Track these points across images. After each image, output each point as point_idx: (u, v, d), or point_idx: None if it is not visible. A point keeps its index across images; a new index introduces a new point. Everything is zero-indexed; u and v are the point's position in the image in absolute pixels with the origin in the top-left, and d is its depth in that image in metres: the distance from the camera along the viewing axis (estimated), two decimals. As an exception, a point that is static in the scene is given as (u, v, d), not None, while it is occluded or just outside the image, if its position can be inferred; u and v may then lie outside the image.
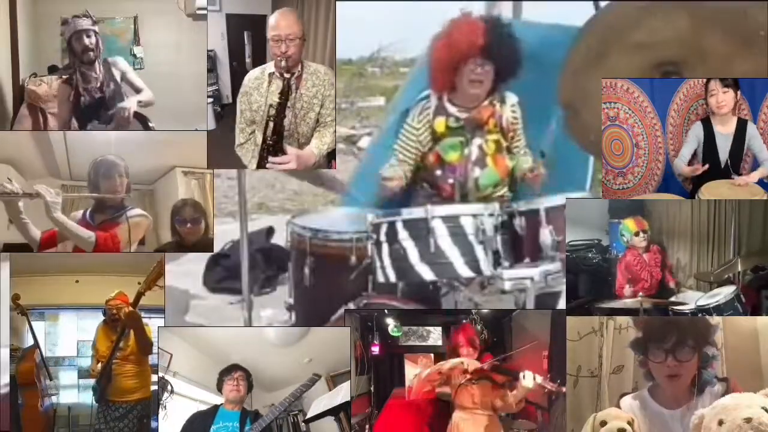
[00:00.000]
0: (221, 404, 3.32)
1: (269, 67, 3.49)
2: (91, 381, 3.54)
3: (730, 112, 3.44)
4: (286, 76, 3.39)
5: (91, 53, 3.61)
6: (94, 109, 3.66)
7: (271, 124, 3.36)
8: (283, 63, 3.38)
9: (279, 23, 3.39)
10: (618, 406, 2.88)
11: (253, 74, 3.53)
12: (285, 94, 3.35)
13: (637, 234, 3.57)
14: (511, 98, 3.45)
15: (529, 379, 3.09)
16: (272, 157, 3.41)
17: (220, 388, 3.36)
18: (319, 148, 3.44)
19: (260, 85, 3.48)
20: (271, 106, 3.36)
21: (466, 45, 3.28)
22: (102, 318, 3.56)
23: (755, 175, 3.41)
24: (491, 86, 3.37)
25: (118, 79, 3.69)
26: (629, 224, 3.57)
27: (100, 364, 3.50)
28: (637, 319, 3.06)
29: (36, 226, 3.38)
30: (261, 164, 3.43)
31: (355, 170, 4.33)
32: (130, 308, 3.41)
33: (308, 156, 3.39)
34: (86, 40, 3.59)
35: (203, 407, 3.34)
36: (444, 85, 3.40)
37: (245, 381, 3.36)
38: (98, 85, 3.64)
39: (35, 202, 3.30)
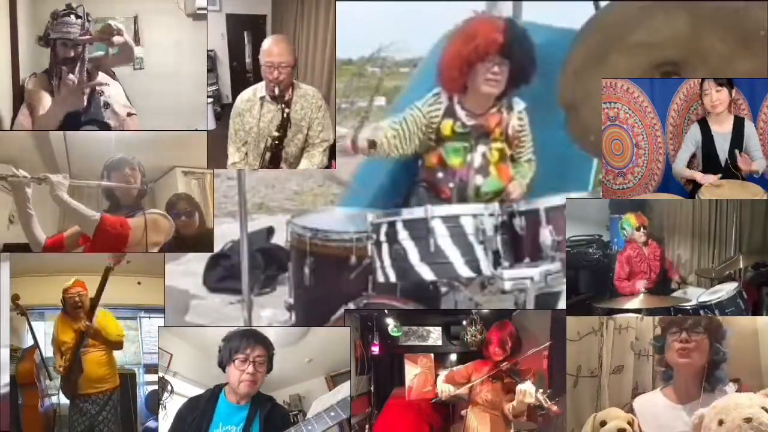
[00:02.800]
0: (224, 388, 2.84)
1: (260, 89, 3.61)
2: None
3: (725, 111, 3.45)
4: (279, 102, 3.49)
5: (73, 62, 3.44)
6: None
7: (269, 153, 3.52)
8: (276, 89, 3.52)
9: (272, 50, 3.53)
10: (632, 405, 2.91)
11: (245, 95, 3.64)
12: (284, 127, 3.50)
13: (638, 229, 3.57)
14: (519, 105, 3.47)
15: (529, 394, 3.07)
16: None
17: (223, 365, 2.82)
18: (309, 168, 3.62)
19: (252, 107, 3.61)
20: (270, 137, 3.52)
21: (486, 41, 3.29)
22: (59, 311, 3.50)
23: (755, 165, 3.42)
24: (503, 90, 3.38)
25: (94, 75, 3.56)
26: (631, 219, 3.57)
27: (62, 358, 3.44)
28: (662, 318, 3.08)
29: (41, 226, 3.35)
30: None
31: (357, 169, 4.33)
32: (87, 323, 3.35)
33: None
34: (71, 51, 3.42)
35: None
36: (455, 84, 3.40)
37: (265, 365, 2.80)
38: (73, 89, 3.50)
39: (42, 194, 3.27)
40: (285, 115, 3.50)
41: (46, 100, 3.48)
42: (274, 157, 3.52)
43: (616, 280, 3.53)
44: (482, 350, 3.35)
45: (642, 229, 3.57)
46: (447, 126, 3.43)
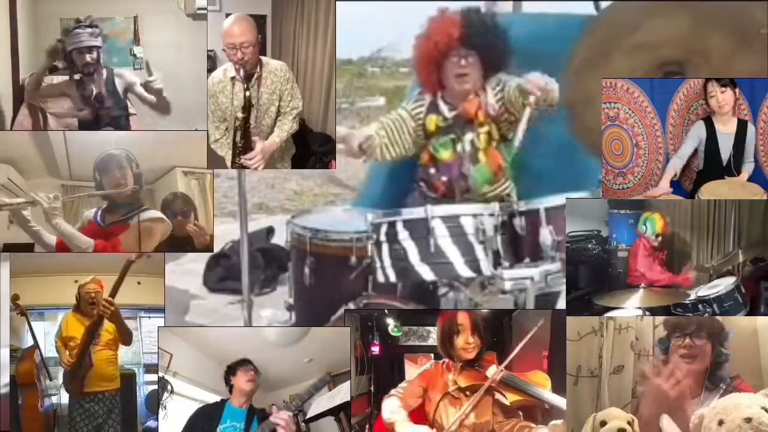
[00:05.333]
0: (228, 399, 3.23)
1: (229, 70, 3.64)
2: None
3: (730, 112, 3.45)
4: (246, 81, 3.58)
5: (91, 67, 3.62)
6: (90, 118, 3.66)
7: (239, 132, 3.63)
8: (241, 71, 3.58)
9: (233, 31, 3.55)
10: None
11: (215, 77, 3.67)
12: (247, 108, 3.60)
13: (657, 236, 3.53)
14: (491, 82, 3.41)
15: None
16: (243, 156, 3.65)
17: (229, 381, 3.24)
18: (280, 136, 3.67)
19: (224, 89, 3.65)
20: (236, 117, 3.62)
21: (444, 39, 3.30)
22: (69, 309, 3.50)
23: (744, 175, 3.43)
24: (481, 78, 3.37)
25: (121, 91, 3.69)
26: (658, 222, 3.51)
27: (68, 353, 3.44)
28: (667, 320, 3.08)
29: (48, 231, 3.36)
30: (234, 161, 3.68)
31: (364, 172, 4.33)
32: (109, 302, 3.35)
33: (271, 145, 3.64)
34: (87, 57, 3.60)
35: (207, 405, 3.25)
36: (431, 84, 3.42)
37: (256, 375, 3.27)
38: (94, 95, 3.64)
39: (38, 208, 3.31)
40: (247, 95, 3.58)
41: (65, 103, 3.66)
42: (245, 134, 3.63)
43: (632, 278, 3.50)
44: (441, 350, 3.01)
45: (662, 237, 3.52)
46: (431, 122, 3.44)
